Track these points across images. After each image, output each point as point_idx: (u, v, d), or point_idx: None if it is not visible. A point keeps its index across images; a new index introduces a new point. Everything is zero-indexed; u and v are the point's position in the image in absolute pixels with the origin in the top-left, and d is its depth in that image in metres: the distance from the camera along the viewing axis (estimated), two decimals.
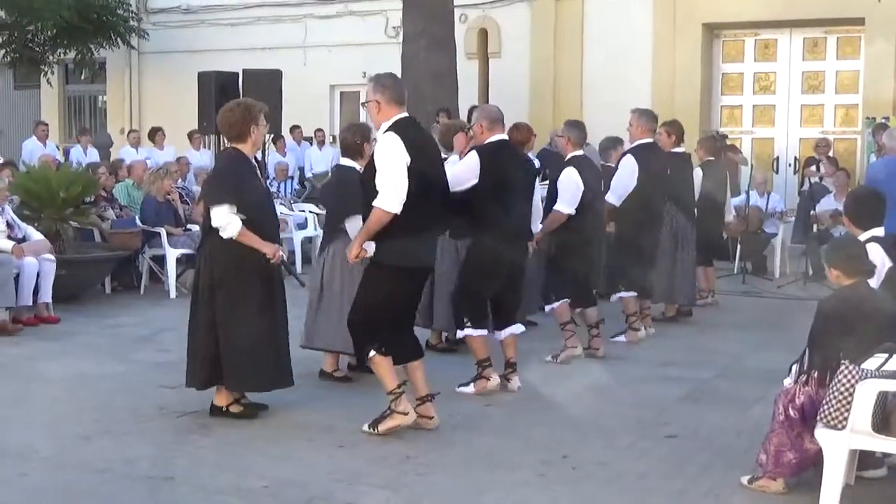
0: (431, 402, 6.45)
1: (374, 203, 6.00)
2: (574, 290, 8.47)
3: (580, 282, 8.50)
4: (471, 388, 7.33)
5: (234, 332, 6.44)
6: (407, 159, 5.99)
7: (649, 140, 9.47)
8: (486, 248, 7.15)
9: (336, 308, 7.30)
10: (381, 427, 6.25)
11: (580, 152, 8.65)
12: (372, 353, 6.21)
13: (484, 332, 7.30)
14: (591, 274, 8.67)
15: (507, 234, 7.21)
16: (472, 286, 7.28)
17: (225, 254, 6.42)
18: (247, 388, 6.68)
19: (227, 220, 6.32)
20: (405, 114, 6.25)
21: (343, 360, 7.85)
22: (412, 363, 6.40)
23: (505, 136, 7.50)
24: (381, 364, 6.23)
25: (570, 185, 8.39)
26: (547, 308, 8.68)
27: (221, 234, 6.33)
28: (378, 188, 5.99)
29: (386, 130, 6.12)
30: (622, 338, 9.26)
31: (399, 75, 14.71)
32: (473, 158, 7.23)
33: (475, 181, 7.11)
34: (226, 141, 6.90)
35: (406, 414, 6.23)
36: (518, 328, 7.57)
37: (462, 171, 7.22)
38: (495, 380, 7.35)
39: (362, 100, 6.56)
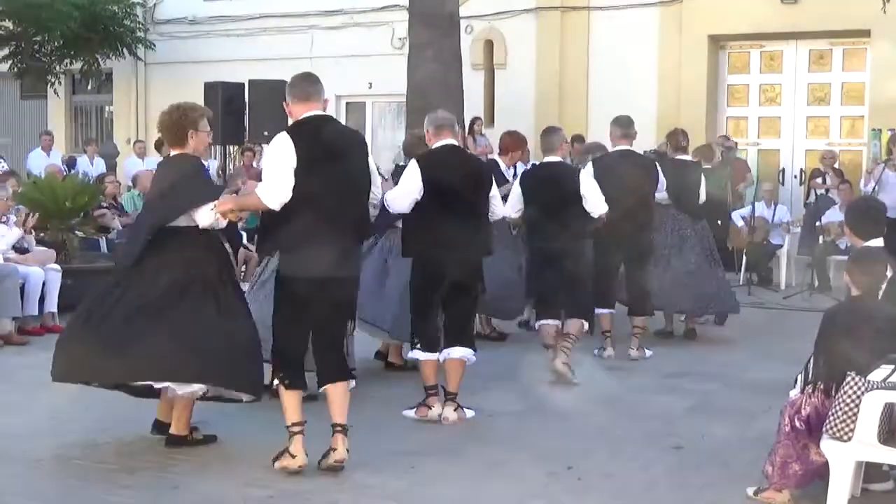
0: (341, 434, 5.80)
1: (256, 190, 5.84)
2: (552, 304, 8.26)
3: (559, 295, 8.18)
4: (412, 413, 7.00)
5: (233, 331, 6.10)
6: (293, 162, 5.61)
7: (623, 147, 9.29)
8: (422, 262, 6.93)
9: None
10: (277, 463, 5.77)
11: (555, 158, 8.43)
12: (276, 382, 5.80)
13: (434, 356, 6.95)
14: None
15: (447, 245, 6.77)
16: (417, 303, 7.00)
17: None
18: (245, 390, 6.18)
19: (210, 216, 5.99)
20: (314, 112, 5.91)
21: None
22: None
23: (452, 141, 7.08)
24: (282, 394, 5.79)
25: (513, 196, 8.33)
26: (536, 324, 8.55)
27: (211, 227, 6.02)
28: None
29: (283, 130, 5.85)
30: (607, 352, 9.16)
31: (405, 86, 14.84)
32: (413, 168, 6.94)
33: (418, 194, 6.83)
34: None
35: (294, 457, 5.70)
36: (465, 352, 6.97)
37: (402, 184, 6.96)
38: (437, 410, 6.93)
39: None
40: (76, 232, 11.46)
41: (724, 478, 5.82)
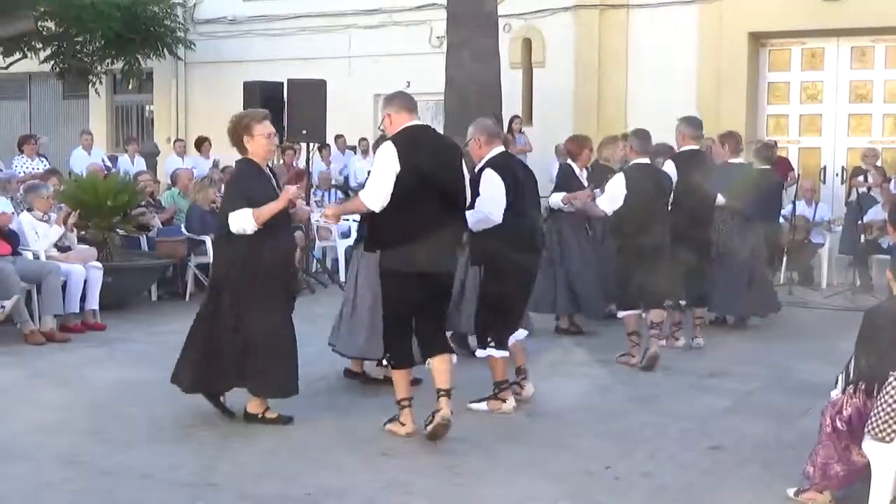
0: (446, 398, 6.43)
1: (360, 194, 6.47)
2: (636, 295, 8.62)
3: (642, 287, 8.57)
4: (484, 406, 7.21)
5: (256, 334, 6.52)
6: (395, 168, 6.19)
7: (692, 147, 9.49)
8: (503, 261, 7.03)
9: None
10: (387, 425, 6.55)
11: (644, 160, 8.80)
12: (385, 362, 6.58)
13: (506, 353, 7.15)
14: (655, 277, 8.70)
15: (520, 243, 7.04)
16: (496, 304, 7.13)
17: (229, 257, 6.58)
18: (270, 394, 6.72)
19: (239, 223, 6.40)
20: (413, 122, 6.49)
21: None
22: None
23: (502, 149, 7.26)
24: (393, 373, 6.54)
25: (610, 193, 8.67)
26: (620, 314, 8.86)
27: (243, 232, 6.40)
28: (367, 184, 6.42)
29: (392, 137, 6.39)
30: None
31: (443, 85, 14.85)
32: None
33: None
34: None
35: (404, 425, 6.47)
36: (522, 333, 7.44)
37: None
38: (511, 403, 7.18)
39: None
40: (117, 230, 11.57)
41: (763, 478, 5.77)
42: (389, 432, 6.50)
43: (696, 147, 9.60)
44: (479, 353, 7.23)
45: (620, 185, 8.61)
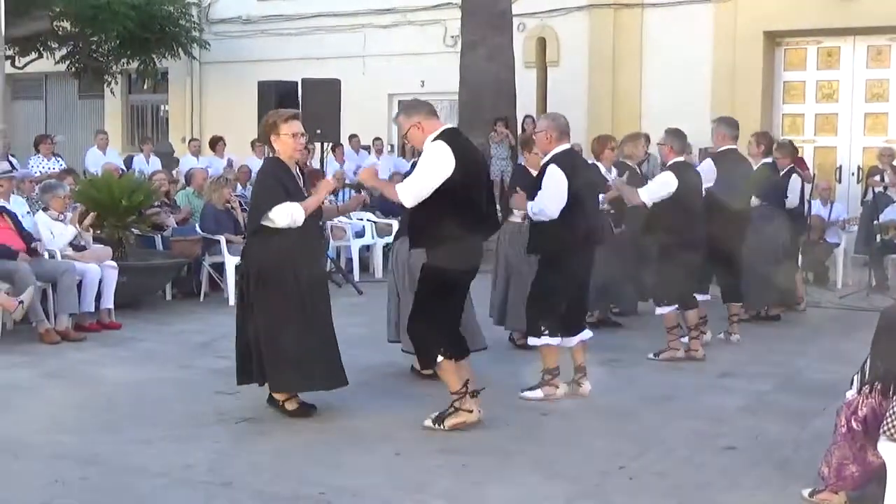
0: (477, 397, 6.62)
1: (397, 186, 6.54)
2: (676, 292, 8.76)
3: (682, 284, 8.76)
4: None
5: (272, 331, 6.63)
6: (451, 168, 6.26)
7: (731, 146, 9.64)
8: (557, 253, 7.27)
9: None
10: (448, 423, 6.51)
11: (681, 159, 8.92)
12: (440, 358, 6.47)
13: (559, 340, 7.37)
14: (692, 276, 8.90)
15: (577, 238, 7.26)
16: (548, 293, 7.33)
17: (262, 254, 6.66)
18: (287, 389, 6.84)
19: (289, 215, 6.52)
20: (446, 126, 6.59)
21: None
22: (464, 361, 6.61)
23: (569, 146, 7.50)
24: (447, 367, 6.51)
25: (659, 184, 8.76)
26: (658, 311, 8.89)
27: (293, 225, 6.54)
28: (409, 180, 6.50)
29: (435, 139, 6.40)
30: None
31: (457, 84, 14.86)
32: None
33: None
34: None
35: (471, 412, 6.52)
36: (587, 333, 7.64)
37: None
38: (563, 388, 7.45)
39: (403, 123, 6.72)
40: (132, 230, 11.60)
41: (778, 479, 5.75)
42: (454, 427, 6.52)
43: (734, 146, 9.71)
44: (532, 340, 7.43)
45: (672, 179, 8.68)
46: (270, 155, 6.91)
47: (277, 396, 6.87)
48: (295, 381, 6.77)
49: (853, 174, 16.84)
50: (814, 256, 13.66)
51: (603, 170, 10.06)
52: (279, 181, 6.62)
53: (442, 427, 6.50)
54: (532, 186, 7.38)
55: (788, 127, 17.50)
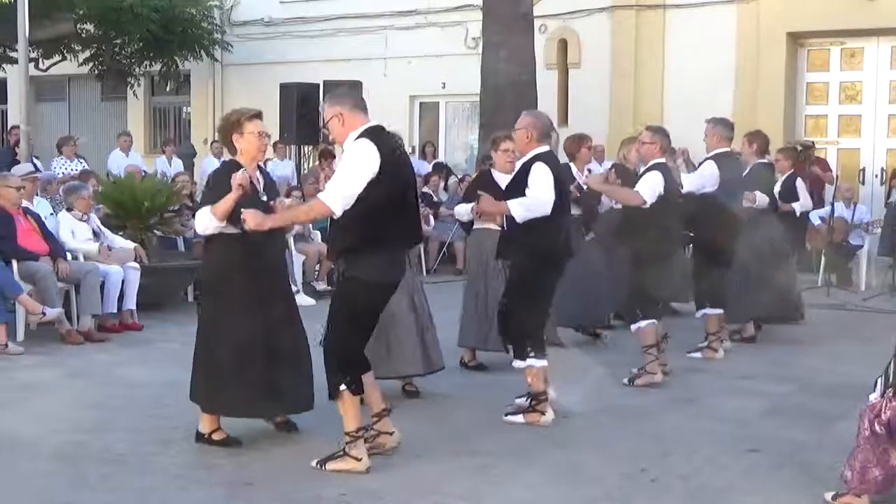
0: (388, 417, 6.16)
1: (321, 195, 5.80)
2: (653, 304, 8.17)
3: (659, 294, 8.27)
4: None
5: (211, 346, 6.27)
6: (376, 167, 5.60)
7: (726, 149, 9.25)
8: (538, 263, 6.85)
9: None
10: (329, 466, 5.83)
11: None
12: (342, 387, 5.75)
13: (545, 362, 6.89)
14: (664, 286, 8.29)
15: (557, 245, 6.86)
16: (532, 309, 6.89)
17: (207, 263, 6.40)
18: (223, 411, 6.34)
19: (200, 220, 6.15)
20: (373, 122, 5.88)
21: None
22: (368, 379, 5.92)
23: (548, 149, 6.98)
24: (349, 401, 5.79)
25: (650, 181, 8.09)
26: (633, 327, 8.22)
27: (203, 233, 6.21)
28: (331, 186, 5.72)
29: (358, 136, 5.73)
30: (698, 354, 9.12)
31: (478, 86, 14.82)
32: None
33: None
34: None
35: (359, 460, 5.79)
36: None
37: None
38: (550, 415, 6.92)
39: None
40: (154, 231, 11.65)
41: (801, 482, 5.72)
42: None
43: (729, 148, 9.28)
44: (517, 363, 6.92)
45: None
46: (229, 157, 6.39)
47: (203, 428, 6.35)
48: (232, 404, 6.24)
49: (877, 176, 16.72)
50: (837, 258, 13.60)
51: (574, 171, 9.38)
52: (217, 188, 6.15)
53: (323, 469, 5.82)
54: (507, 192, 6.96)
55: (812, 128, 17.40)
